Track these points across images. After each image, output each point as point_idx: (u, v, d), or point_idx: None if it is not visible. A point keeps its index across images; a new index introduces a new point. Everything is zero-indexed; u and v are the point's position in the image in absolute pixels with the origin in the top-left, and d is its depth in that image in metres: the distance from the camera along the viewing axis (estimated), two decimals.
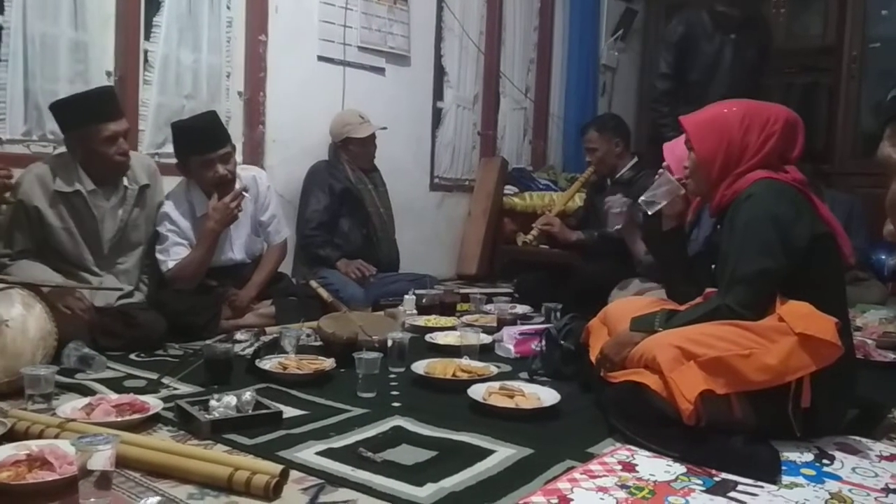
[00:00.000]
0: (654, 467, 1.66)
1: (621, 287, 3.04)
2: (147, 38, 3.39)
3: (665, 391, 1.73)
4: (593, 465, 1.66)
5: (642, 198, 2.16)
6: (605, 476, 1.60)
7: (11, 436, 1.68)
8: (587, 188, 3.97)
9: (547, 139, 5.64)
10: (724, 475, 1.62)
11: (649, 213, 2.16)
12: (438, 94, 4.83)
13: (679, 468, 1.66)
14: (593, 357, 2.14)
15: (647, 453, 1.74)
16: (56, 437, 1.66)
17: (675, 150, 2.17)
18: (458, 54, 4.90)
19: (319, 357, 2.44)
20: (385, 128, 3.91)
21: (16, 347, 2.11)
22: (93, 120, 2.66)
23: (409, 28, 4.45)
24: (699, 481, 1.59)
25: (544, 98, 5.60)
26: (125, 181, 2.83)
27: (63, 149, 2.84)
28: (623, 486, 1.55)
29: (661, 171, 2.16)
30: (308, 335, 2.73)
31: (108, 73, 3.26)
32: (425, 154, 4.76)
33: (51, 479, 1.46)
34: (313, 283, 3.32)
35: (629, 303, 2.29)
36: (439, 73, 4.81)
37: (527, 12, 5.40)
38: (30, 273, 2.49)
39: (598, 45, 5.78)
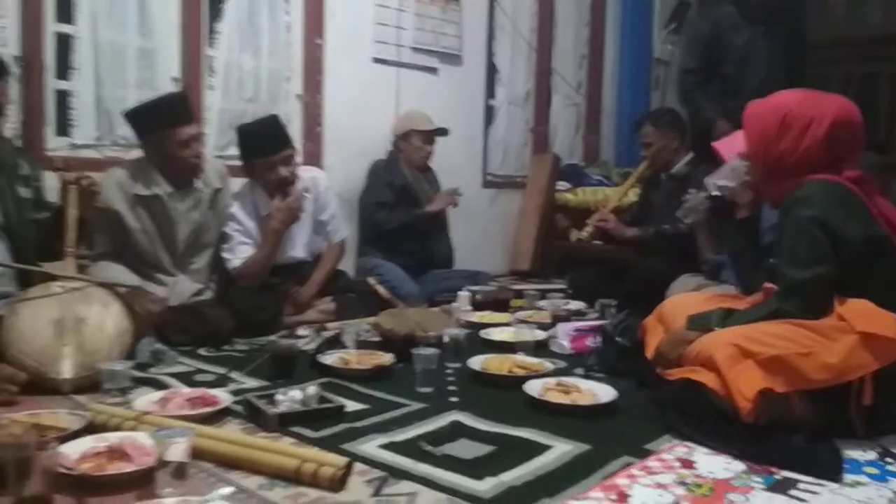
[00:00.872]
0: (714, 464, 1.66)
1: (678, 284, 3.00)
2: (210, 44, 3.51)
3: (723, 389, 1.73)
4: (651, 462, 1.67)
5: (711, 178, 2.15)
6: (663, 473, 1.61)
7: (91, 428, 1.76)
8: (641, 183, 3.94)
9: (599, 135, 5.60)
10: (784, 473, 1.61)
11: (714, 194, 2.14)
12: (490, 92, 4.85)
13: (739, 466, 1.65)
14: (649, 354, 2.14)
15: (706, 450, 1.73)
16: (133, 429, 1.73)
17: (732, 142, 2.16)
18: (509, 52, 4.91)
19: (378, 352, 2.50)
20: (447, 131, 3.96)
21: (93, 344, 2.22)
22: (168, 124, 2.78)
23: (461, 28, 4.48)
24: (759, 479, 1.59)
25: (597, 93, 5.56)
26: (199, 184, 2.95)
27: (137, 153, 2.98)
28: (682, 483, 1.56)
29: (733, 157, 2.14)
30: (367, 331, 2.79)
31: (174, 79, 3.38)
32: (477, 152, 4.79)
33: (129, 470, 1.53)
34: (371, 280, 3.40)
35: (685, 300, 2.29)
36: (491, 71, 4.83)
37: (578, 8, 5.37)
38: (109, 274, 2.60)
39: (650, 38, 5.70)
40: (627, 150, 5.27)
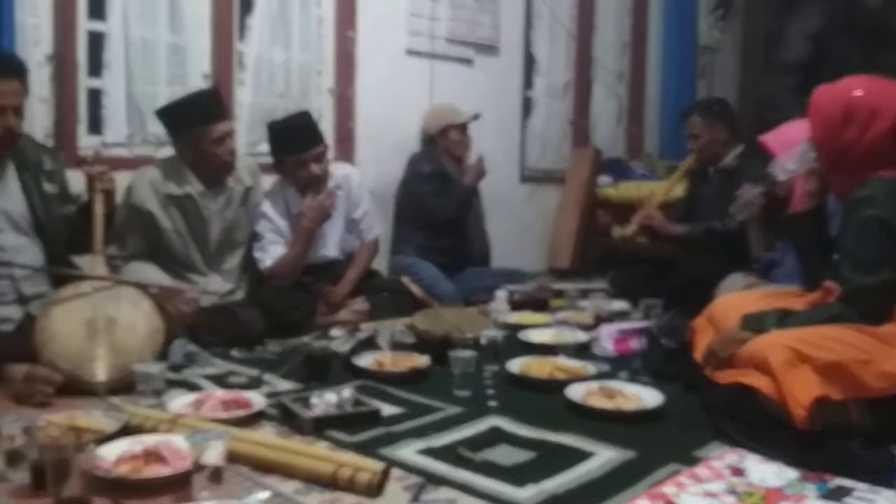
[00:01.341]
0: (765, 472, 1.62)
1: (728, 283, 2.90)
2: (241, 39, 3.49)
3: (777, 394, 1.68)
4: (700, 470, 1.63)
5: (778, 162, 2.06)
6: (713, 481, 1.57)
7: (127, 430, 1.76)
8: (689, 177, 3.82)
9: (643, 126, 5.47)
10: (839, 481, 1.57)
11: (780, 179, 2.05)
12: (528, 83, 4.76)
13: (791, 473, 1.61)
14: (699, 356, 2.07)
15: (758, 457, 1.69)
16: (168, 431, 1.73)
17: (782, 135, 2.08)
18: (548, 41, 4.81)
19: (414, 354, 2.47)
20: (479, 115, 3.88)
21: (126, 345, 2.22)
22: (202, 121, 2.78)
23: (497, 17, 4.40)
24: (813, 487, 1.55)
25: (640, 83, 5.43)
26: (230, 182, 2.94)
27: (168, 152, 2.98)
28: (732, 492, 1.52)
29: (803, 142, 2.05)
30: (402, 332, 2.75)
31: (205, 75, 3.37)
32: (514, 145, 4.71)
33: (166, 473, 1.52)
34: (405, 279, 3.36)
35: (738, 299, 2.21)
36: (529, 61, 4.74)
37: None
38: (141, 274, 2.61)
39: (696, 24, 5.54)
40: (673, 141, 5.13)
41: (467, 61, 4.31)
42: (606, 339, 2.66)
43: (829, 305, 1.85)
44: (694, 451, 1.74)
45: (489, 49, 4.41)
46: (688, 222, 3.54)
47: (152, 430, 1.75)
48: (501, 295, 3.28)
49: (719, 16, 5.70)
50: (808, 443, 1.64)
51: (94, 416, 1.82)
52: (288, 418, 1.92)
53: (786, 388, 1.65)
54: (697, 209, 3.58)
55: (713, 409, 1.88)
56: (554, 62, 4.87)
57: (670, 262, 3.46)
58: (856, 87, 1.90)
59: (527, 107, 4.77)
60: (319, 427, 1.85)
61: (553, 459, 1.70)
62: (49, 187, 2.47)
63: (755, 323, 1.89)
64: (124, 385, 2.13)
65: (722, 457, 1.69)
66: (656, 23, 5.43)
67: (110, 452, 1.58)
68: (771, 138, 2.19)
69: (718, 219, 3.29)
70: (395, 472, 1.59)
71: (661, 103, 5.42)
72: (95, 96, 3.08)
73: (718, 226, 3.30)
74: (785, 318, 1.87)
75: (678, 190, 3.92)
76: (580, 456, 1.71)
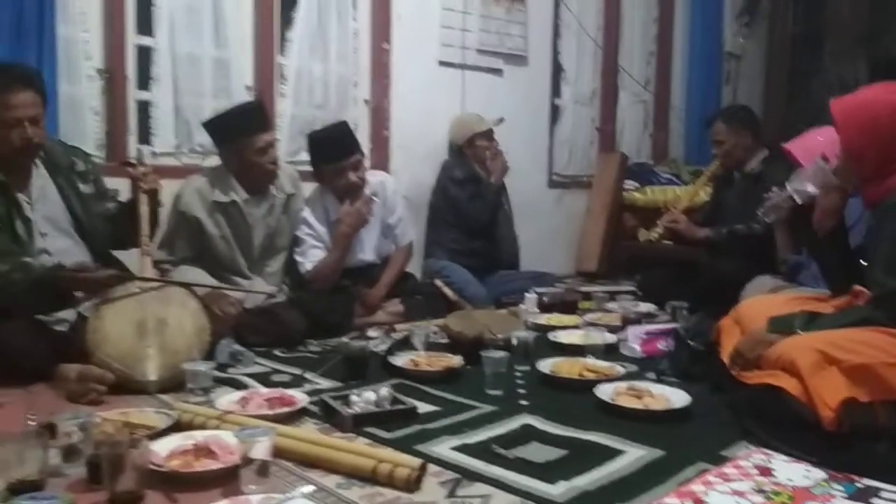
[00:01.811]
0: (793, 472, 1.63)
1: (754, 285, 2.92)
2: (281, 52, 3.60)
3: (804, 396, 1.69)
4: (728, 469, 1.64)
5: (791, 184, 2.07)
6: (740, 480, 1.58)
7: (177, 426, 1.84)
8: (713, 182, 3.86)
9: (668, 132, 5.50)
10: (866, 481, 1.57)
11: (799, 202, 2.07)
12: (556, 91, 4.82)
13: (819, 474, 1.61)
14: (725, 357, 2.10)
15: (785, 457, 1.70)
16: (217, 428, 1.80)
17: (805, 143, 2.09)
18: (575, 51, 4.87)
19: (448, 354, 2.53)
20: (503, 119, 3.97)
21: (175, 345, 2.31)
22: (246, 132, 2.87)
23: (526, 28, 4.47)
24: (840, 487, 1.55)
25: (665, 90, 5.46)
26: (273, 190, 3.04)
27: (214, 161, 3.09)
28: (760, 491, 1.53)
29: (817, 160, 2.06)
30: (435, 333, 2.82)
31: (248, 88, 3.49)
32: (543, 152, 4.77)
33: (215, 467, 1.59)
34: (438, 282, 3.43)
35: (764, 301, 2.23)
36: (556, 70, 4.80)
37: (646, 3, 5.28)
38: (189, 278, 2.70)
39: (721, 31, 5.57)
40: (698, 147, 5.16)
41: (497, 71, 4.39)
42: (634, 340, 2.71)
43: (857, 308, 1.85)
44: (721, 450, 1.76)
45: (518, 59, 4.48)
46: (712, 226, 3.57)
47: (201, 426, 1.82)
48: (531, 297, 3.34)
49: (744, 23, 5.69)
50: (836, 444, 1.65)
51: (146, 413, 1.90)
52: (329, 415, 1.98)
53: (813, 390, 1.66)
54: (722, 213, 3.61)
55: (740, 410, 1.90)
56: (581, 71, 4.94)
57: (696, 265, 3.50)
58: (882, 94, 1.89)
59: (555, 114, 4.84)
60: (359, 424, 1.91)
61: (583, 457, 1.73)
62: (85, 188, 2.55)
63: (782, 325, 1.91)
64: (174, 383, 2.21)
65: (749, 456, 1.71)
66: (682, 31, 5.46)
67: (162, 448, 1.65)
68: (794, 146, 2.20)
69: (743, 222, 3.32)
70: (432, 468, 1.64)
71: (687, 110, 5.45)
72: (144, 108, 3.21)
73: (742, 229, 3.33)
74: (813, 321, 1.88)
75: (703, 194, 3.95)
76: (610, 454, 1.75)
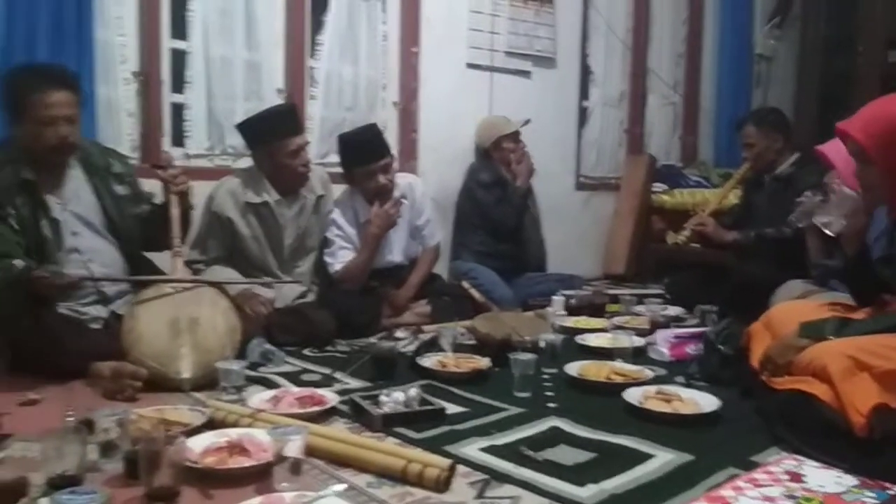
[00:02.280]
0: (824, 478, 1.61)
1: (784, 289, 2.90)
2: (312, 56, 3.65)
3: (835, 402, 1.68)
4: (758, 474, 1.63)
5: (821, 220, 2.07)
6: (770, 485, 1.57)
7: (210, 424, 1.87)
8: (743, 185, 3.83)
9: (697, 134, 5.46)
10: None
11: (832, 234, 2.06)
12: (584, 93, 4.82)
13: (850, 480, 1.60)
14: (755, 362, 2.09)
15: (816, 463, 1.68)
16: (249, 426, 1.83)
17: (838, 145, 2.06)
18: (603, 53, 4.87)
19: (475, 356, 2.54)
20: (529, 120, 3.97)
21: (207, 343, 2.35)
22: (279, 135, 2.92)
23: (555, 30, 4.47)
24: (872, 494, 1.53)
25: (694, 92, 5.43)
26: (304, 191, 3.08)
27: (246, 162, 3.14)
28: (790, 497, 1.52)
29: (835, 186, 2.04)
30: (462, 334, 2.83)
31: (279, 90, 3.54)
32: (570, 154, 4.77)
33: (249, 464, 1.62)
34: (465, 284, 3.44)
35: (796, 307, 2.21)
36: (585, 72, 4.80)
37: (675, 4, 5.25)
38: (221, 277, 2.74)
39: (752, 33, 5.52)
40: (728, 149, 5.12)
41: (525, 73, 4.39)
42: (663, 343, 2.70)
43: (889, 315, 1.84)
44: (751, 455, 1.76)
45: (547, 61, 4.48)
46: (741, 229, 3.54)
47: (234, 424, 1.85)
48: (558, 300, 3.34)
49: (775, 24, 5.63)
50: (867, 450, 1.63)
51: (180, 411, 1.93)
52: (359, 415, 2.01)
53: (845, 396, 1.65)
54: (751, 216, 3.58)
55: (770, 415, 1.89)
56: (610, 73, 4.93)
57: (725, 269, 3.47)
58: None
59: (583, 116, 4.83)
60: (388, 424, 1.93)
61: (612, 460, 1.74)
62: (120, 189, 2.59)
63: (813, 330, 1.90)
64: (207, 381, 2.25)
65: (780, 462, 1.69)
66: (711, 32, 5.43)
67: (197, 445, 1.67)
68: (827, 148, 2.18)
69: (772, 226, 3.30)
70: (461, 469, 1.65)
71: (716, 112, 5.41)
72: (178, 111, 3.27)
73: (771, 232, 3.31)
74: (844, 327, 1.86)
75: (732, 197, 3.93)
76: (639, 457, 1.75)
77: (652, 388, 2.16)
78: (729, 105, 5.30)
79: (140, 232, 2.62)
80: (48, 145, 2.38)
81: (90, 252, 2.48)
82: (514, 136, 3.89)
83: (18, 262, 2.26)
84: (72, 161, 2.51)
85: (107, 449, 1.65)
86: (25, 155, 2.41)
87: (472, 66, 4.13)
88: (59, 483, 1.49)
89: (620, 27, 4.94)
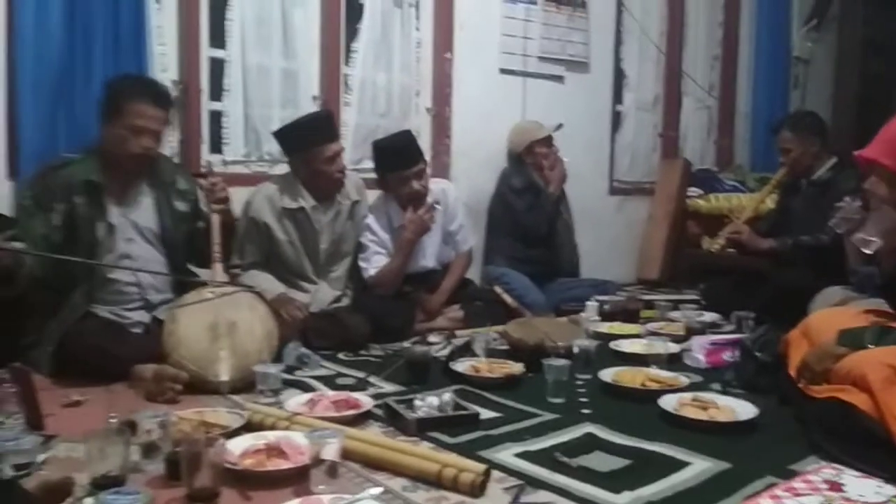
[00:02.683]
0: (864, 488, 1.60)
1: (823, 296, 2.86)
2: (347, 63, 3.69)
3: (875, 411, 1.67)
4: (797, 483, 1.62)
5: (858, 237, 2.05)
6: (809, 495, 1.56)
7: (248, 426, 1.91)
8: (779, 190, 3.78)
9: (733, 138, 5.40)
10: None
11: (869, 252, 2.04)
12: (617, 97, 4.79)
13: (891, 490, 1.59)
14: (792, 370, 2.07)
15: (855, 472, 1.67)
16: (287, 429, 1.86)
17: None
18: (637, 57, 4.84)
19: (508, 361, 2.55)
20: (562, 125, 3.97)
21: (245, 347, 2.39)
22: (315, 142, 2.96)
23: (588, 35, 4.46)
24: None
25: (730, 95, 5.37)
26: (339, 197, 3.11)
27: (282, 169, 3.18)
28: None
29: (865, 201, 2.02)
30: (495, 339, 2.84)
31: (314, 98, 3.58)
32: (604, 158, 4.75)
33: (286, 467, 1.65)
34: (497, 289, 3.45)
35: (834, 314, 2.19)
36: (618, 76, 4.77)
37: (710, 7, 5.20)
38: (257, 281, 2.80)
39: (789, 35, 5.45)
40: (764, 153, 5.05)
41: (558, 78, 4.39)
42: (698, 350, 2.67)
43: None
44: (790, 464, 1.74)
45: (580, 65, 4.47)
46: (778, 235, 3.50)
47: (272, 426, 1.88)
48: (592, 305, 3.33)
49: (813, 26, 5.55)
50: None
51: (219, 413, 1.97)
52: (393, 419, 2.03)
53: (884, 406, 1.63)
54: (788, 221, 3.54)
55: (808, 424, 1.88)
56: (644, 77, 4.90)
57: (762, 275, 3.42)
58: None
59: (616, 121, 4.81)
60: (423, 428, 1.94)
61: (648, 467, 1.74)
62: (180, 205, 2.68)
63: (853, 339, 1.88)
64: (244, 384, 2.29)
65: (818, 471, 1.68)
66: (747, 35, 5.37)
67: (236, 447, 1.70)
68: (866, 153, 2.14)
69: (809, 231, 3.26)
70: (495, 474, 1.66)
71: (753, 115, 5.34)
72: (216, 118, 3.32)
73: (808, 240, 3.27)
74: (884, 335, 1.85)
75: (769, 202, 3.88)
76: (675, 465, 1.75)
77: (688, 395, 2.15)
78: (766, 108, 5.24)
79: (188, 247, 2.69)
80: (130, 153, 2.49)
81: (141, 260, 2.56)
82: (547, 141, 3.89)
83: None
84: (141, 172, 2.60)
85: (149, 450, 1.69)
86: (101, 158, 2.52)
87: (504, 71, 4.14)
88: (102, 483, 1.53)
89: (654, 31, 4.91)
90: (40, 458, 1.67)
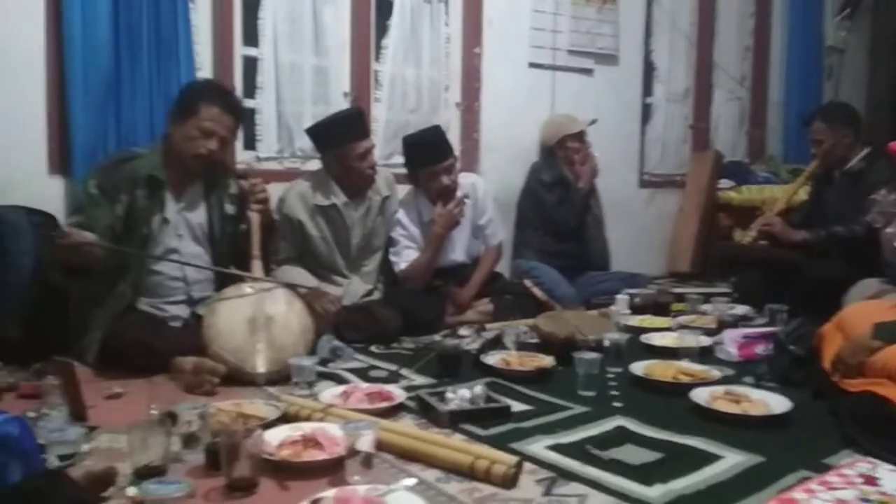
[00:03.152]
0: None
1: (857, 289, 2.82)
2: (377, 59, 3.71)
3: None
4: (831, 477, 1.61)
5: (891, 229, 2.02)
6: (844, 489, 1.55)
7: (284, 418, 1.94)
8: (812, 181, 3.73)
9: (765, 129, 5.33)
10: None
11: None
12: (647, 90, 4.76)
13: None
14: (827, 364, 2.06)
15: (891, 466, 1.66)
16: (321, 420, 1.89)
17: None
18: (667, 48, 4.80)
19: (539, 354, 2.56)
20: (595, 120, 3.96)
21: (282, 340, 2.44)
22: (347, 139, 3.00)
23: (617, 27, 4.44)
24: None
25: (762, 86, 5.30)
26: (370, 192, 3.15)
27: (313, 165, 3.22)
28: (865, 500, 1.50)
29: None
30: (525, 333, 2.85)
31: (345, 94, 3.61)
32: (634, 151, 4.72)
33: (322, 458, 1.68)
34: (527, 283, 3.46)
35: (870, 307, 2.17)
36: (648, 69, 4.74)
37: None
38: (290, 277, 2.84)
39: (822, 25, 5.36)
40: (797, 144, 4.99)
41: (588, 71, 4.37)
42: (730, 343, 2.66)
43: None
44: (824, 458, 1.74)
45: (609, 58, 4.45)
46: (811, 226, 3.45)
47: (307, 418, 1.92)
48: (622, 299, 3.32)
49: (846, 15, 5.45)
50: None
51: (257, 405, 2.01)
52: (426, 411, 2.05)
53: None
54: (821, 213, 3.50)
55: (843, 417, 1.87)
56: (674, 69, 4.86)
57: (795, 267, 3.38)
58: None
59: (646, 113, 4.78)
60: (455, 420, 1.96)
61: (680, 460, 1.74)
62: (230, 208, 2.75)
63: (888, 332, 1.87)
64: (280, 377, 2.34)
65: (853, 465, 1.67)
66: (780, 24, 5.30)
67: (273, 438, 1.73)
68: None
69: (843, 223, 3.22)
70: (527, 466, 1.68)
71: (786, 106, 5.28)
72: (250, 115, 3.35)
73: (842, 231, 3.22)
74: None
75: (802, 193, 3.83)
76: (707, 458, 1.74)
77: (720, 389, 2.14)
78: (798, 98, 5.16)
79: (231, 248, 2.75)
80: (194, 152, 2.56)
81: (186, 256, 2.62)
82: (580, 136, 3.87)
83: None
84: (199, 173, 2.67)
85: (189, 441, 1.73)
86: (165, 155, 2.60)
87: (534, 65, 4.14)
88: (145, 473, 1.57)
89: (685, 22, 4.86)
90: (84, 448, 1.72)
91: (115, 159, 2.62)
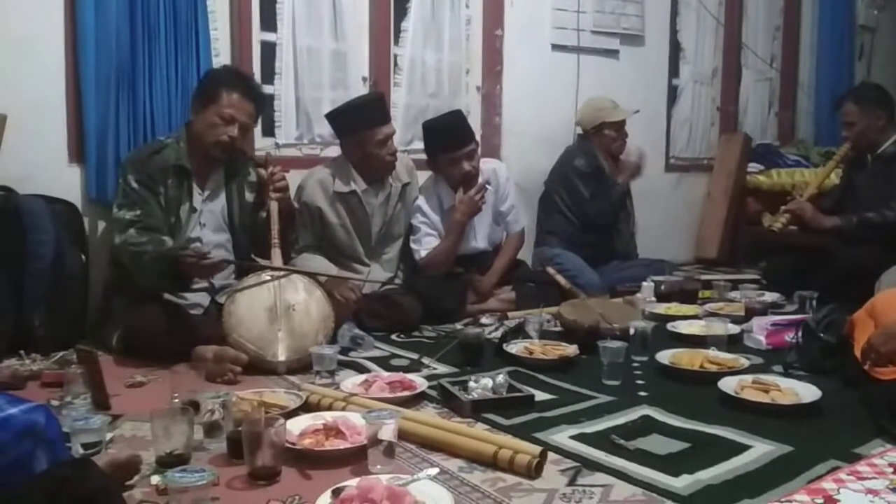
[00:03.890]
0: None
1: (889, 275, 2.75)
2: (396, 42, 3.67)
3: None
4: (861, 467, 1.59)
5: None
6: (874, 478, 1.53)
7: (306, 407, 1.94)
8: (844, 165, 3.64)
9: (796, 111, 5.23)
10: None
11: None
12: (674, 71, 4.68)
13: None
14: (858, 351, 2.01)
15: None
16: (343, 409, 1.89)
17: None
18: (695, 28, 4.71)
19: (562, 343, 2.53)
20: (638, 111, 3.89)
21: (302, 329, 2.44)
22: (367, 125, 2.97)
23: (642, 7, 4.36)
24: None
25: (792, 67, 5.19)
26: (390, 179, 3.12)
27: (332, 151, 3.20)
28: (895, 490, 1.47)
29: None
30: (548, 321, 2.82)
31: (364, 79, 3.58)
32: (660, 134, 4.65)
33: (344, 447, 1.67)
34: (550, 270, 3.41)
35: None
36: (675, 49, 4.65)
37: None
38: (311, 264, 2.83)
39: (853, 3, 5.23)
40: (828, 126, 4.89)
41: (612, 52, 4.30)
42: (759, 331, 2.61)
43: None
44: (854, 447, 1.70)
45: (635, 39, 4.38)
46: (842, 211, 3.38)
47: (328, 407, 1.91)
48: (648, 286, 3.28)
49: None
50: None
51: (278, 394, 2.01)
52: (448, 400, 2.04)
53: None
54: (853, 197, 3.42)
55: (874, 406, 1.83)
56: (701, 49, 4.77)
57: (825, 253, 3.31)
58: None
59: (672, 95, 4.70)
60: (477, 409, 1.94)
61: (707, 450, 1.71)
62: (250, 196, 2.76)
63: None
64: (300, 365, 2.34)
65: (884, 454, 1.64)
66: (810, 3, 5.19)
67: (295, 427, 1.73)
68: None
69: (875, 208, 3.14)
70: (551, 456, 1.66)
71: (816, 87, 5.18)
72: (269, 101, 3.32)
73: (874, 217, 3.15)
74: None
75: (834, 177, 3.74)
76: (735, 448, 1.72)
77: (748, 378, 2.11)
78: (829, 79, 5.07)
79: (251, 236, 2.76)
80: (215, 139, 2.58)
81: (209, 244, 2.63)
82: (620, 125, 3.75)
83: (167, 240, 2.50)
84: (220, 161, 2.68)
85: (211, 429, 1.73)
86: (188, 144, 2.62)
87: (557, 47, 4.08)
88: (168, 461, 1.58)
89: (712, 1, 4.76)
90: (108, 436, 1.72)
91: (145, 150, 2.64)
